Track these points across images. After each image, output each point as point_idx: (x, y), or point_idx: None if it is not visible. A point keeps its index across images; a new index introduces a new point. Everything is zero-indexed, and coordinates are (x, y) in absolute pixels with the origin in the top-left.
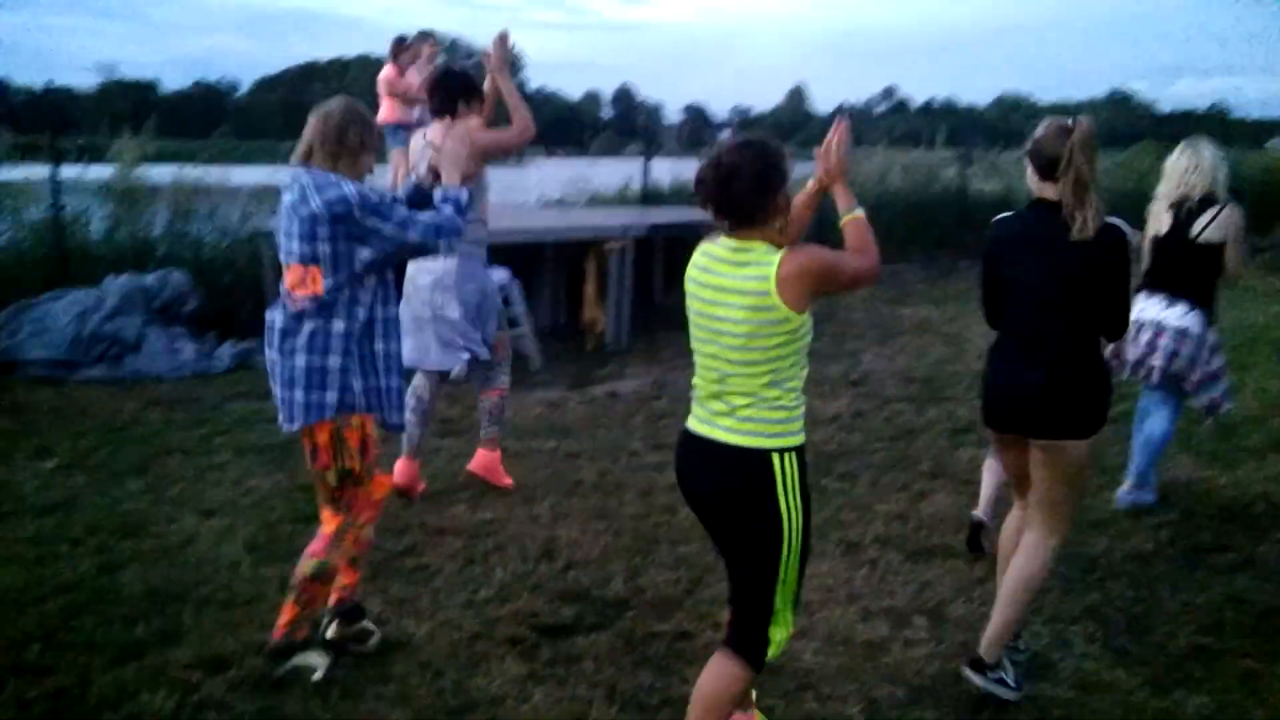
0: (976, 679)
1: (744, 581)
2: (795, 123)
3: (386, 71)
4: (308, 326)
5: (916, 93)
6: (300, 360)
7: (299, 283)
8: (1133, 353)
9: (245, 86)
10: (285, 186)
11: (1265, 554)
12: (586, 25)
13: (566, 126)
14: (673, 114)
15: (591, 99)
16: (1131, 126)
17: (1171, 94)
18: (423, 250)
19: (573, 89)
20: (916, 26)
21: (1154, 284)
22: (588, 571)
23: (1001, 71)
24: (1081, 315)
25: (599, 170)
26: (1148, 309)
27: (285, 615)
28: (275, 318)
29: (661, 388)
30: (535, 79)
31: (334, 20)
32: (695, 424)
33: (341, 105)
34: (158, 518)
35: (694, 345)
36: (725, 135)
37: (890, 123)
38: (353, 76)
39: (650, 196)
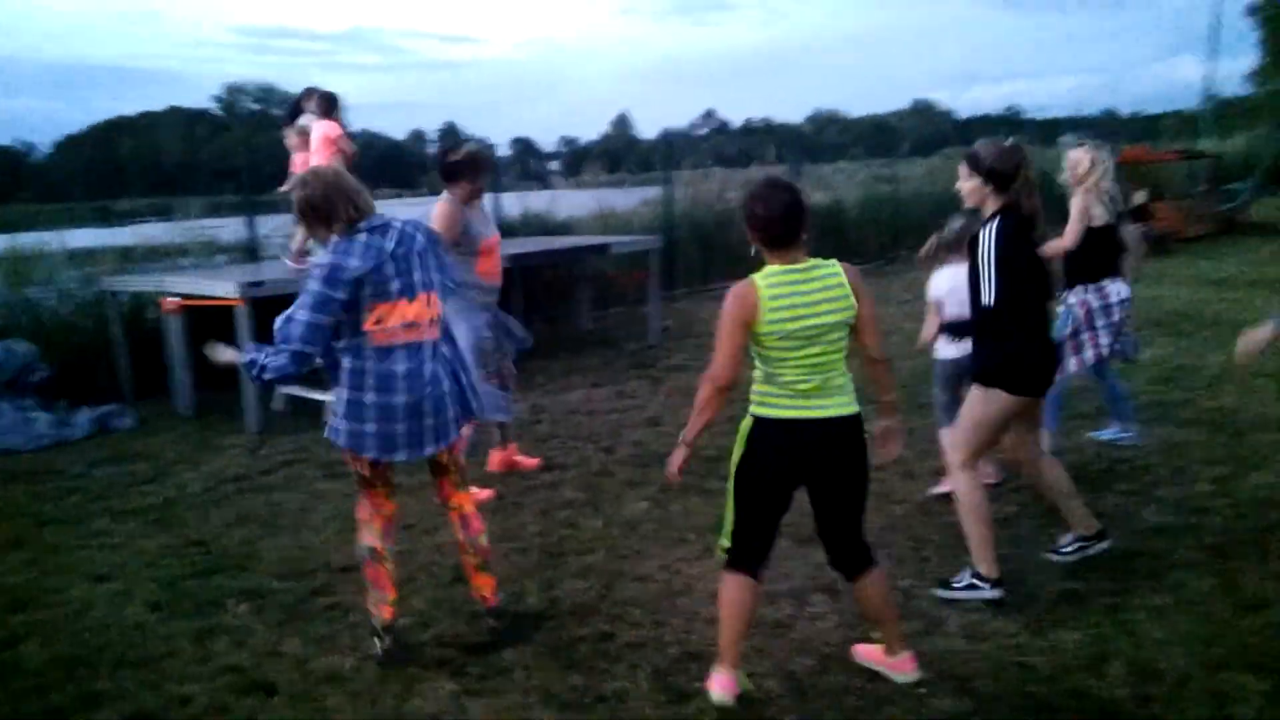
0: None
1: (858, 512)
2: (622, 149)
3: (330, 128)
4: (445, 349)
5: (735, 115)
6: (466, 377)
7: (426, 309)
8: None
9: (46, 147)
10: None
11: (1109, 505)
12: (405, 65)
13: (394, 166)
14: (501, 148)
15: (417, 137)
16: (937, 133)
17: (968, 100)
18: None
19: (397, 130)
20: (729, 52)
21: (1114, 268)
22: (502, 590)
23: (812, 89)
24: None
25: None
26: (1123, 290)
27: (490, 582)
28: (417, 356)
29: (540, 412)
30: (358, 121)
31: (140, 75)
32: (822, 411)
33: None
34: (47, 589)
35: (787, 355)
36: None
37: (716, 143)
38: (164, 129)
39: (502, 229)
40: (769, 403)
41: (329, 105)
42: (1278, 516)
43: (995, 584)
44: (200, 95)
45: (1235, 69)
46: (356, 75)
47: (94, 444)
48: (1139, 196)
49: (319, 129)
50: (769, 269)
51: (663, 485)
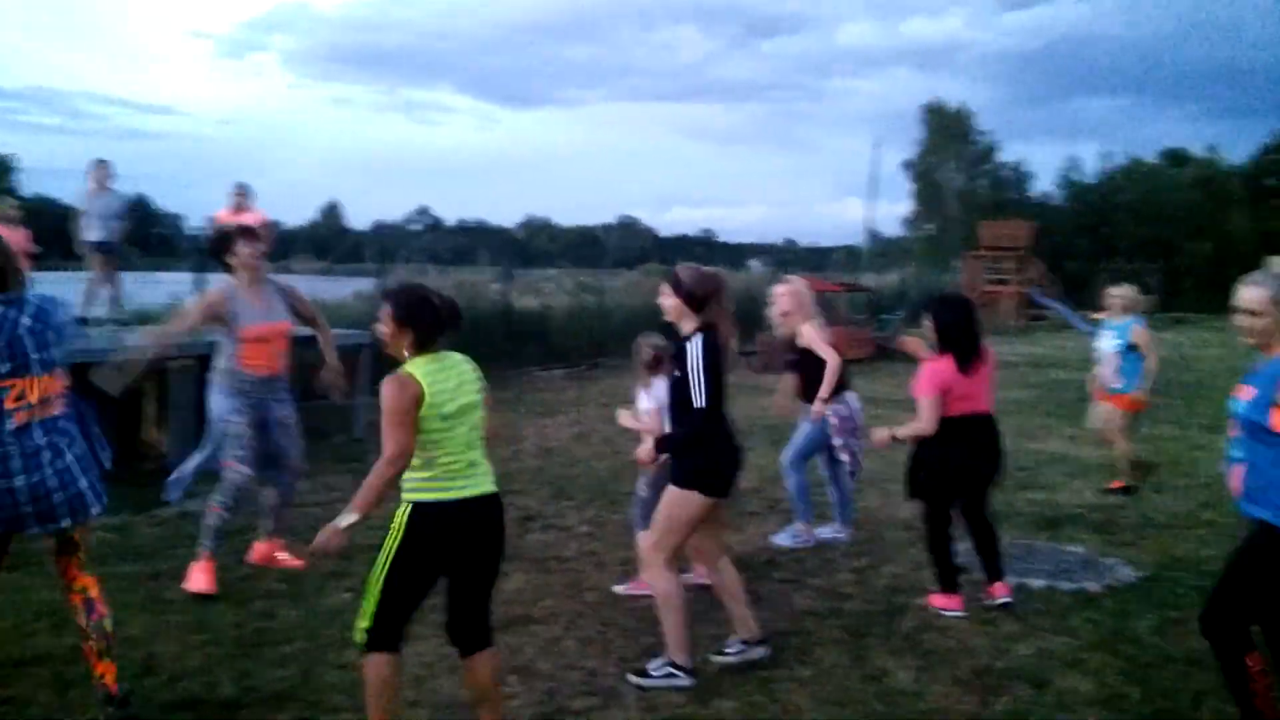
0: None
1: (491, 589)
2: (331, 238)
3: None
4: (65, 424)
5: (448, 213)
6: (77, 449)
7: (51, 386)
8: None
9: None
10: None
11: (768, 590)
12: (92, 131)
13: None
14: (197, 227)
15: None
16: (639, 248)
17: (668, 220)
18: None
19: (76, 198)
20: (446, 151)
21: (848, 384)
22: (195, 680)
23: (525, 196)
24: None
25: (134, 284)
26: (855, 400)
27: (112, 669)
28: (29, 435)
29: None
30: (30, 184)
31: None
32: (476, 488)
33: None
34: None
35: (444, 436)
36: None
37: (429, 241)
38: None
39: None
40: (427, 487)
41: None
42: (902, 601)
43: (689, 672)
44: None
45: (895, 212)
46: (37, 136)
47: None
48: None
49: None
50: (416, 360)
51: (366, 576)
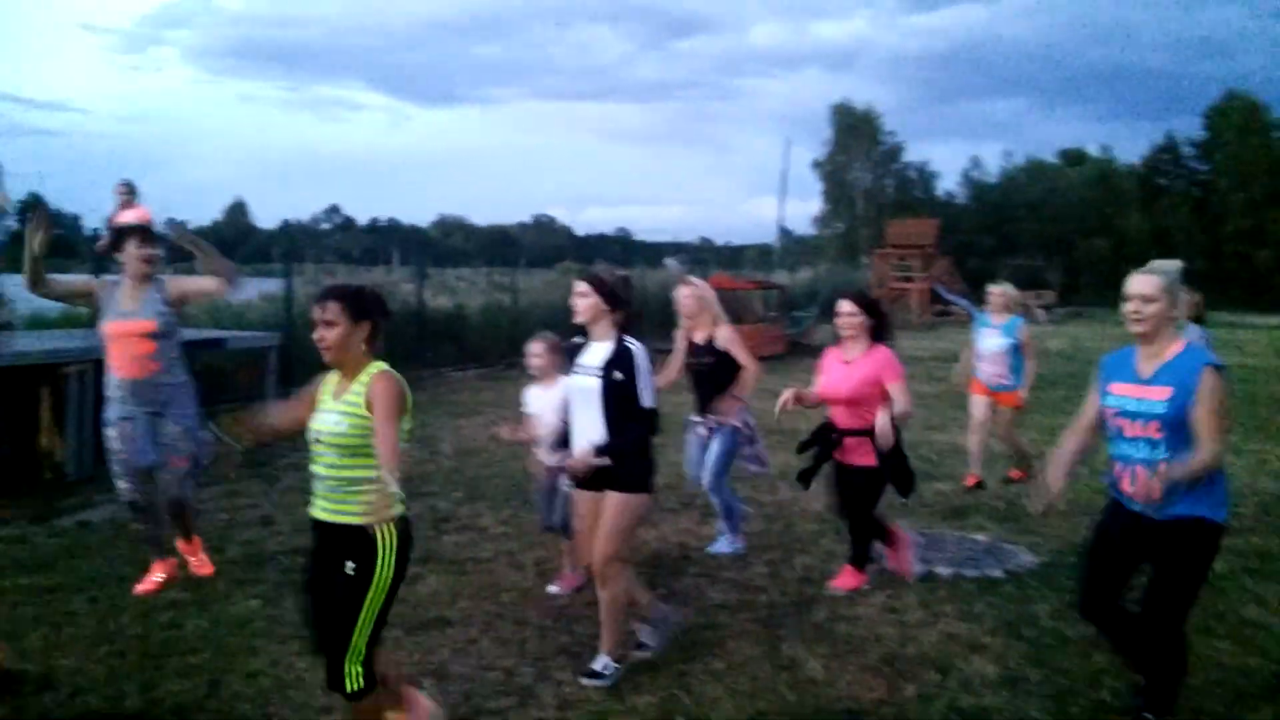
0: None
1: None
2: (236, 238)
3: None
4: None
5: (360, 212)
6: None
7: None
8: None
9: None
10: None
11: (684, 585)
12: None
13: None
14: (97, 226)
15: None
16: (555, 247)
17: (585, 219)
18: None
19: None
20: (357, 149)
21: None
22: (98, 694)
23: (439, 195)
24: None
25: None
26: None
27: None
28: None
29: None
30: None
31: None
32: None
33: None
34: None
35: (404, 441)
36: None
37: (340, 240)
38: None
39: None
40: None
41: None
42: (814, 592)
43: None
44: None
45: (806, 210)
46: None
47: None
48: None
49: None
50: (379, 361)
51: (276, 582)
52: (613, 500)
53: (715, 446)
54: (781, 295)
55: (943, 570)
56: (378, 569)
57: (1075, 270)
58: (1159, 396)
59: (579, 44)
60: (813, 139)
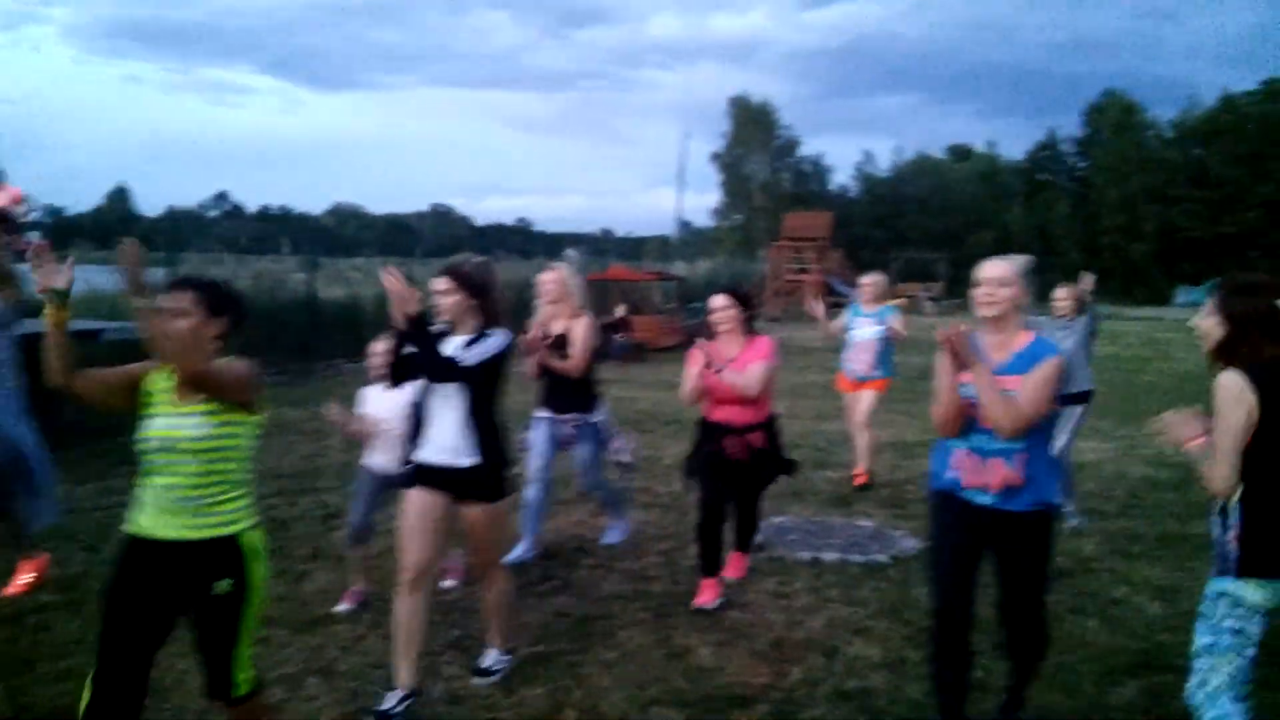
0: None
1: None
2: (120, 224)
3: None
4: None
5: (250, 199)
6: None
7: None
8: None
9: None
10: None
11: (579, 577)
12: None
13: None
14: None
15: None
16: (454, 237)
17: (484, 209)
18: None
19: None
20: (248, 135)
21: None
22: None
23: (334, 183)
24: None
25: None
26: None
27: None
28: None
29: None
30: None
31: None
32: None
33: None
34: None
35: None
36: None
37: (228, 229)
38: None
39: None
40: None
41: None
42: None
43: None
44: None
45: (705, 202)
46: None
47: None
48: (619, 310)
49: None
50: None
51: None
52: (482, 514)
53: (582, 450)
54: (679, 287)
55: (829, 556)
56: (255, 579)
57: (963, 263)
58: (1011, 386)
59: (477, 30)
60: (711, 131)
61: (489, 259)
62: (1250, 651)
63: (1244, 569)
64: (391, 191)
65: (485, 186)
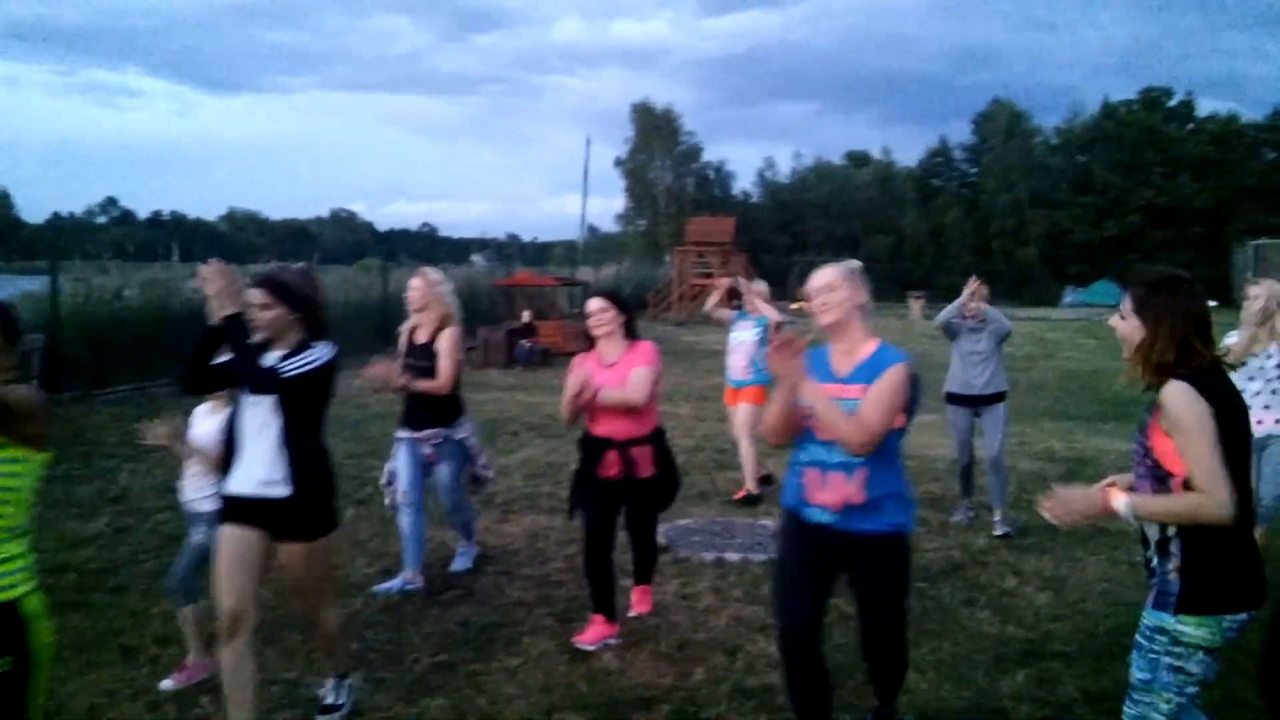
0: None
1: None
2: (2, 231)
3: None
4: None
5: (141, 205)
6: None
7: None
8: None
9: None
10: None
11: (482, 584)
12: None
13: None
14: None
15: None
16: (357, 242)
17: (387, 214)
18: None
19: None
20: (140, 139)
21: None
22: None
23: (230, 188)
24: None
25: None
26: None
27: None
28: None
29: None
30: None
31: None
32: None
33: None
34: None
35: None
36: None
37: (118, 235)
38: None
39: None
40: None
41: None
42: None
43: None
44: None
45: (610, 208)
46: None
47: None
48: (525, 316)
49: None
50: None
51: (89, 600)
52: (298, 553)
53: (442, 469)
54: (585, 291)
55: (732, 556)
56: (39, 651)
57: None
58: (856, 395)
59: (375, 33)
60: (615, 137)
61: (309, 265)
62: (1191, 690)
63: (1183, 605)
64: (290, 196)
65: (389, 191)
